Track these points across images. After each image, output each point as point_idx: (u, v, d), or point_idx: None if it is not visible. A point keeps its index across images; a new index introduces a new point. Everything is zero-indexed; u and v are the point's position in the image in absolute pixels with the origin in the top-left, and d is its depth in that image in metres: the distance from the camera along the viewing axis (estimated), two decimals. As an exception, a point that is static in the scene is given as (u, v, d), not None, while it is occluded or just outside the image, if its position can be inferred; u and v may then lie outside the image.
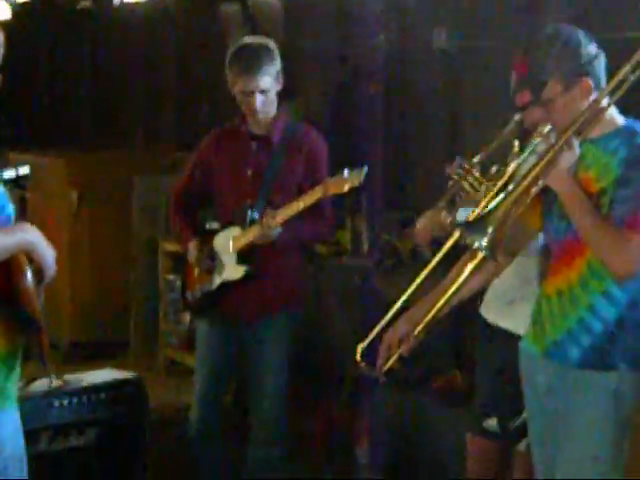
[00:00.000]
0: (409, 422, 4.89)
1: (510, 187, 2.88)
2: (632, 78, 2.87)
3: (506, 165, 3.29)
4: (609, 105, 2.92)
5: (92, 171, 6.91)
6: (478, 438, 3.86)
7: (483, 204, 2.93)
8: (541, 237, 3.22)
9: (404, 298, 3.28)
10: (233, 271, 4.27)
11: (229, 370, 4.51)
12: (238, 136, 4.34)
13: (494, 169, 3.48)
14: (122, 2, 7.34)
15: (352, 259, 5.65)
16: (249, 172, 4.29)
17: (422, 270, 3.30)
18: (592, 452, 2.96)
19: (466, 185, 3.52)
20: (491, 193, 2.96)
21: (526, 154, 3.04)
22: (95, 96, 8.38)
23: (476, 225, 2.82)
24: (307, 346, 5.02)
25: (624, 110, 3.01)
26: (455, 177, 3.55)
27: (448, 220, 3.50)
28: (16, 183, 3.23)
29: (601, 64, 2.97)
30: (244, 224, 4.21)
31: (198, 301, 4.41)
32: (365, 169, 4.04)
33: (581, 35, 2.95)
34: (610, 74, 2.95)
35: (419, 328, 3.18)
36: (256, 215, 4.19)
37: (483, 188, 3.47)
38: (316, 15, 6.31)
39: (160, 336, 6.60)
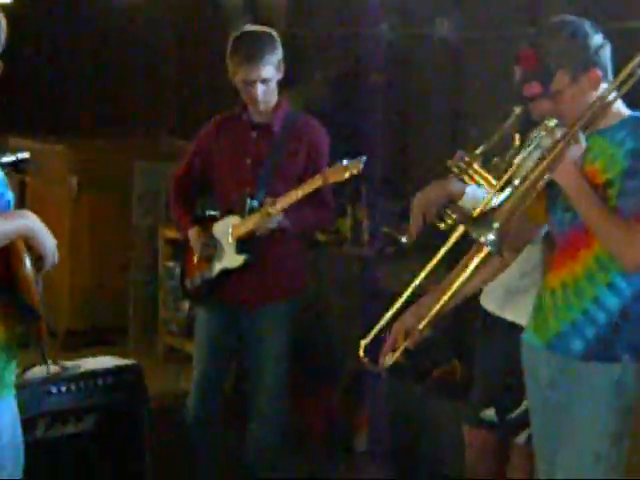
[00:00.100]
0: (408, 413, 4.89)
1: (516, 182, 2.87)
2: None
3: (506, 158, 3.29)
4: (615, 99, 2.92)
5: (92, 157, 6.89)
6: (475, 429, 3.87)
7: (488, 198, 2.93)
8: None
9: (407, 293, 3.26)
10: (232, 259, 4.26)
11: (228, 357, 4.52)
12: (238, 124, 4.33)
13: (495, 160, 3.48)
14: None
15: (352, 248, 5.64)
16: (249, 160, 4.29)
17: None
18: (594, 443, 2.96)
19: (466, 178, 3.52)
20: (496, 187, 2.95)
21: (531, 147, 3.03)
22: (96, 82, 8.35)
23: (482, 220, 2.81)
24: (306, 334, 5.02)
25: (631, 103, 3.00)
26: (455, 170, 3.55)
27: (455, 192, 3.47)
28: (15, 167, 3.20)
29: (607, 55, 2.96)
30: (243, 212, 4.21)
31: (197, 289, 4.41)
32: (364, 158, 4.03)
33: (587, 26, 2.94)
34: (614, 65, 2.95)
35: (424, 323, 3.17)
36: (255, 204, 4.18)
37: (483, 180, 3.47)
38: (318, 4, 6.29)
39: (159, 323, 6.60)
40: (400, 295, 3.25)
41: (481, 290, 3.77)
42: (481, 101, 5.28)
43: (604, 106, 2.90)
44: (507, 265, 3.27)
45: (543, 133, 2.95)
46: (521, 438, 3.74)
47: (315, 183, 4.08)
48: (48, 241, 2.83)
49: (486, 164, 3.54)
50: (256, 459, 4.35)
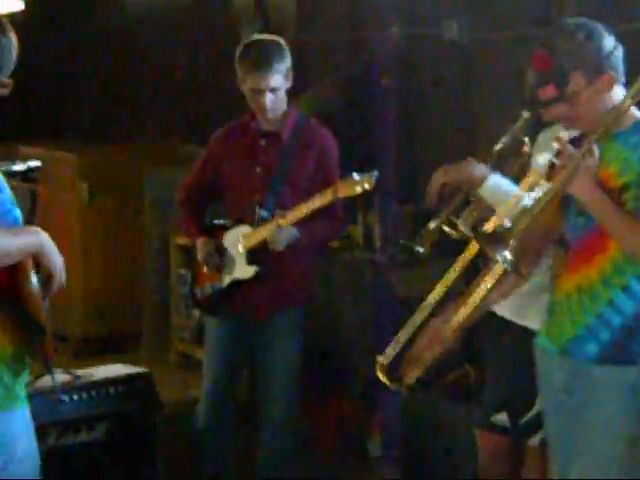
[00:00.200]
0: (421, 417, 4.87)
1: (531, 202, 2.84)
2: None
3: (520, 160, 3.28)
4: (629, 106, 2.90)
5: (103, 164, 6.89)
6: (487, 433, 3.85)
7: (503, 212, 2.90)
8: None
9: (425, 313, 3.24)
10: (243, 270, 4.25)
11: (238, 365, 4.51)
12: (247, 132, 4.31)
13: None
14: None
15: (364, 253, 5.62)
16: (258, 169, 4.27)
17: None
18: (609, 446, 2.95)
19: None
20: (513, 199, 2.93)
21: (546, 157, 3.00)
22: (107, 89, 8.36)
23: (498, 237, 2.79)
24: (318, 340, 5.00)
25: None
26: None
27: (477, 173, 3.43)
28: (25, 176, 3.19)
29: (620, 57, 2.96)
30: (253, 222, 4.19)
31: (207, 298, 4.39)
32: (376, 173, 3.99)
33: (600, 28, 2.94)
34: (625, 66, 2.94)
35: (447, 336, 3.16)
36: (265, 213, 4.17)
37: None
38: (328, 8, 6.28)
39: (172, 330, 6.59)
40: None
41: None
42: (492, 103, 5.26)
43: (619, 117, 2.88)
44: (526, 279, 3.24)
45: (555, 145, 2.92)
46: (534, 440, 3.73)
47: (326, 197, 4.05)
48: (57, 259, 2.82)
49: (500, 165, 3.52)
50: (267, 467, 4.33)
